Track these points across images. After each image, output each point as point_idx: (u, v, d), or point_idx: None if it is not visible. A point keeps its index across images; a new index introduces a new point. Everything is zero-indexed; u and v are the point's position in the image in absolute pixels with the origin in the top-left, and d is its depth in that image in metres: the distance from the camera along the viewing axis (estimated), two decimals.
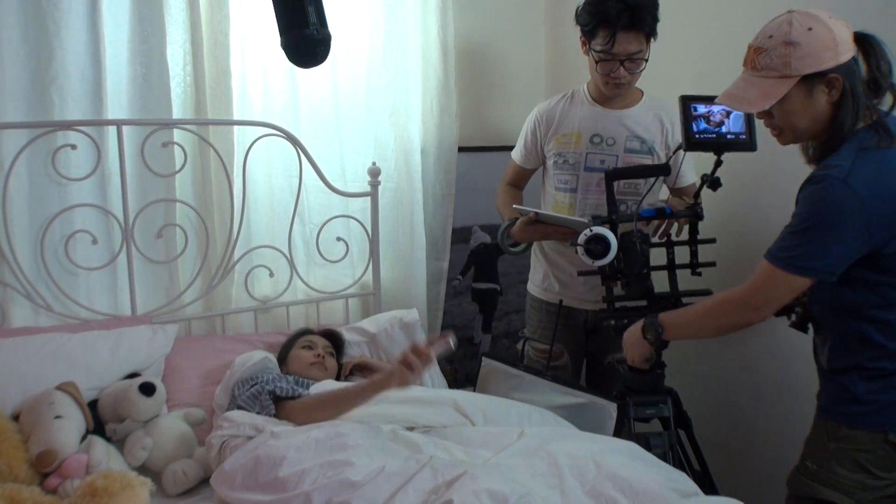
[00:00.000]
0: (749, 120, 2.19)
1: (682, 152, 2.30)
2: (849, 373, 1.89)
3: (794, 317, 2.11)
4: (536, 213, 2.51)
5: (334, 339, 2.70)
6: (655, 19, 2.41)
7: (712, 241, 2.32)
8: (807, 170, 1.90)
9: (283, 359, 2.58)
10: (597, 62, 2.48)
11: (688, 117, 2.15)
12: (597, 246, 2.13)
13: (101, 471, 2.01)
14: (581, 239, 2.14)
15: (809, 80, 1.79)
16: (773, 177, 2.53)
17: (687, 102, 2.16)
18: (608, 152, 2.58)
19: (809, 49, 1.77)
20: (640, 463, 1.91)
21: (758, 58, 1.82)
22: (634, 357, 2.22)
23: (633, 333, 2.20)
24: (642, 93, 2.65)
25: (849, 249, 1.79)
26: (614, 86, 2.52)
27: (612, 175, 2.28)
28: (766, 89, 1.81)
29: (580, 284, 2.62)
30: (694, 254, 2.29)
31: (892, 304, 1.84)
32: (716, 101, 1.94)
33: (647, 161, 2.58)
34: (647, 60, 2.47)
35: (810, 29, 1.77)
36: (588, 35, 2.47)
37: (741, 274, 2.07)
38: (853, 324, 1.88)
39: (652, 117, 2.60)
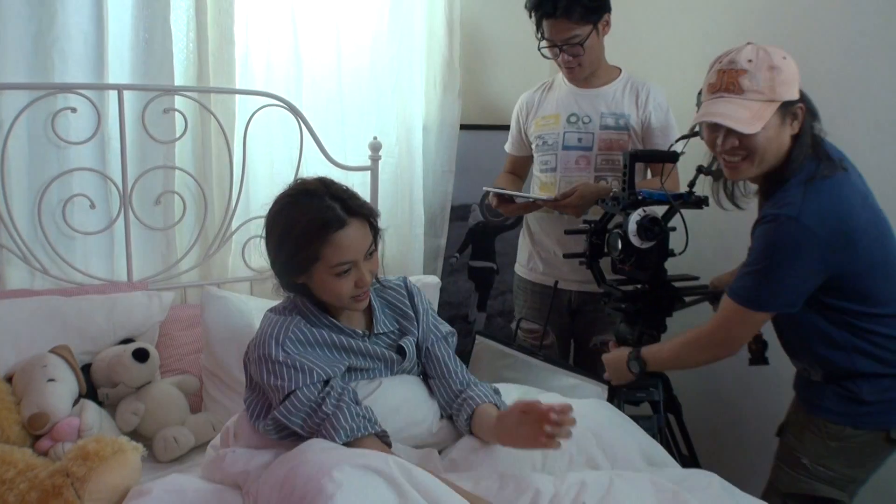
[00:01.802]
0: None
1: (672, 129, 2.51)
2: (851, 379, 1.90)
3: (749, 356, 2.21)
4: (497, 196, 2.64)
5: (374, 230, 1.83)
6: (586, 6, 2.47)
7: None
8: None
9: (293, 277, 1.79)
10: (542, 49, 2.60)
11: None
12: (654, 226, 2.12)
13: (93, 435, 2.02)
14: (634, 221, 2.12)
15: (783, 108, 1.81)
16: None
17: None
18: (585, 130, 2.64)
19: (788, 76, 1.80)
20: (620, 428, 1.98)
21: (740, 80, 1.80)
22: (617, 380, 2.25)
23: (617, 360, 2.21)
24: (620, 70, 2.71)
25: (806, 283, 1.83)
26: (567, 69, 2.62)
27: (635, 157, 2.27)
28: (756, 111, 1.79)
29: (564, 264, 2.64)
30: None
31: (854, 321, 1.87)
32: (705, 118, 1.88)
33: (623, 136, 2.62)
34: (582, 45, 2.52)
35: (784, 58, 1.80)
36: (536, 26, 2.59)
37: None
38: (836, 338, 1.89)
39: (627, 94, 2.65)
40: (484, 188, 2.74)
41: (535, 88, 2.84)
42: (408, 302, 1.95)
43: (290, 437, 1.73)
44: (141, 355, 2.26)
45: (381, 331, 1.88)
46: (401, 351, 1.88)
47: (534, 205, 2.67)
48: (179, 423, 2.29)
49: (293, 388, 1.68)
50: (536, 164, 2.79)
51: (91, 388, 2.30)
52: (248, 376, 1.83)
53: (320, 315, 1.81)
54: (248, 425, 1.81)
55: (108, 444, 1.79)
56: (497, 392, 1.94)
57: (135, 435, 2.22)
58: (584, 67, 2.60)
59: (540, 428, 1.57)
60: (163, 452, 2.20)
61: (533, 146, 2.79)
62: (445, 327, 1.99)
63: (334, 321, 1.82)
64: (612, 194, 2.28)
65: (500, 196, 2.64)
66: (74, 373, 2.23)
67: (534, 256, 2.81)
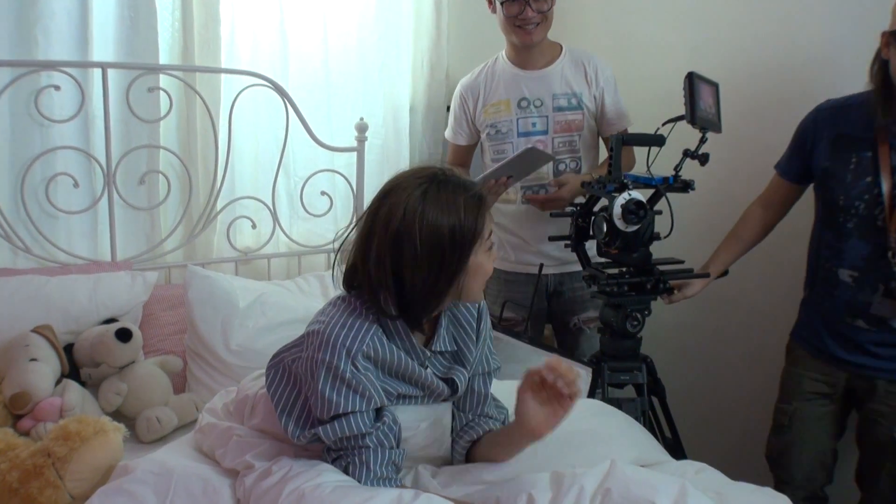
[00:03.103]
0: (717, 103, 2.25)
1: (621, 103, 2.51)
2: None
3: None
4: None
5: None
6: None
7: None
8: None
9: (450, 277, 1.53)
10: (502, 4, 2.48)
11: (694, 94, 2.15)
12: (639, 210, 2.10)
13: (75, 415, 2.01)
14: (618, 204, 2.10)
15: None
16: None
17: (695, 80, 2.17)
18: (538, 114, 2.60)
19: None
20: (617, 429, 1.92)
21: None
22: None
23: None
24: (562, 47, 2.66)
25: None
26: (524, 33, 2.51)
27: (621, 140, 2.26)
28: None
29: (537, 250, 2.63)
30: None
31: None
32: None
33: (578, 116, 2.59)
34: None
35: None
36: None
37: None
38: None
39: (574, 69, 2.61)
40: (479, 178, 2.56)
41: (476, 71, 2.74)
42: (474, 323, 1.73)
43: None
44: (124, 335, 2.24)
45: (439, 349, 1.67)
46: (452, 384, 1.71)
47: (495, 190, 2.51)
48: (162, 404, 2.29)
49: (347, 410, 1.53)
50: (489, 153, 2.70)
51: (74, 368, 2.28)
52: (284, 365, 1.66)
53: (401, 327, 1.59)
54: (270, 414, 1.69)
55: (89, 424, 1.78)
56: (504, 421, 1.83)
57: (117, 415, 2.20)
58: (543, 28, 2.52)
59: (557, 392, 1.53)
60: (145, 433, 2.19)
61: (483, 135, 2.70)
62: (495, 361, 1.81)
63: (411, 338, 1.61)
64: (597, 177, 2.27)
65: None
66: (57, 352, 2.21)
67: (504, 245, 2.73)
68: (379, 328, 1.57)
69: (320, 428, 1.55)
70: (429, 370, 1.65)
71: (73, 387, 2.17)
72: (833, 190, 2.12)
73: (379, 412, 1.59)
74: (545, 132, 2.59)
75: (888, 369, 2.07)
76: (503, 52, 2.69)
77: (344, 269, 1.65)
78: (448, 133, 2.84)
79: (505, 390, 1.82)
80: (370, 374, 1.55)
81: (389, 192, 1.52)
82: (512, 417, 1.68)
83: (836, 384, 2.19)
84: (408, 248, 1.47)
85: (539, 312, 2.76)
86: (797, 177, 2.26)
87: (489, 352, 1.78)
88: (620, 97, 2.64)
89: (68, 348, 2.30)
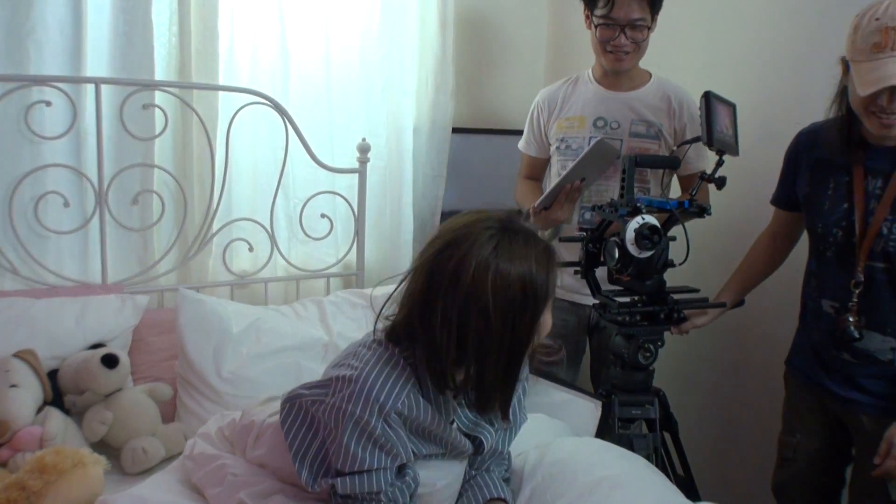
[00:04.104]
0: (735, 125, 2.15)
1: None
2: None
3: None
4: (532, 207, 2.40)
5: None
6: None
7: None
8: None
9: (523, 343, 1.41)
10: (596, 27, 2.39)
11: (711, 114, 2.05)
12: (653, 235, 1.98)
13: (55, 445, 1.91)
14: (632, 229, 1.99)
15: None
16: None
17: (711, 100, 2.07)
18: (612, 136, 2.47)
19: None
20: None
21: None
22: None
23: None
24: (650, 75, 2.54)
25: None
26: (615, 58, 2.41)
27: (636, 162, 2.15)
28: None
29: (577, 278, 2.51)
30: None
31: None
32: (887, 82, 1.76)
33: (654, 146, 2.47)
34: (650, 29, 2.38)
35: None
36: (589, 3, 2.38)
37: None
38: None
39: (660, 99, 2.49)
40: (552, 186, 2.42)
41: (558, 84, 2.63)
42: None
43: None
44: (110, 361, 2.15)
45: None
46: (477, 443, 1.60)
47: (565, 206, 2.39)
48: (150, 434, 2.18)
49: (372, 467, 1.43)
50: (556, 168, 2.59)
51: (58, 394, 2.18)
52: (303, 405, 1.54)
53: (437, 383, 1.45)
54: (277, 448, 1.59)
55: (67, 456, 1.69)
56: (507, 478, 1.73)
57: (102, 445, 2.12)
58: (634, 57, 2.43)
59: None
60: (130, 464, 2.08)
61: (553, 147, 2.60)
62: (523, 415, 1.70)
63: (446, 394, 1.49)
64: (609, 201, 2.17)
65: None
66: (39, 378, 2.11)
67: None
68: (416, 381, 1.45)
69: (338, 480, 1.44)
70: (454, 425, 1.54)
71: (54, 415, 2.06)
72: (812, 218, 2.05)
73: (401, 468, 1.48)
74: (618, 157, 2.44)
75: (873, 405, 1.97)
76: (590, 70, 2.59)
77: (387, 321, 1.50)
78: (521, 142, 2.74)
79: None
80: (400, 431, 1.44)
81: (453, 244, 1.38)
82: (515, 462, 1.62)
83: (832, 417, 2.10)
84: (476, 309, 1.34)
85: (578, 346, 2.64)
86: (789, 205, 2.19)
87: (518, 403, 1.66)
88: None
89: (52, 374, 2.20)
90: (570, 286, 2.55)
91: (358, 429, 1.40)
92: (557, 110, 2.58)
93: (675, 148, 2.32)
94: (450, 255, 1.37)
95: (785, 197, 2.19)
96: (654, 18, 2.37)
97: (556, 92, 2.61)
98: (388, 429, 1.41)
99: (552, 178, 2.61)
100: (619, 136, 2.46)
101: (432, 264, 1.39)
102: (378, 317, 1.52)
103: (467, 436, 1.58)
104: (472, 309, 1.34)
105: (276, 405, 1.69)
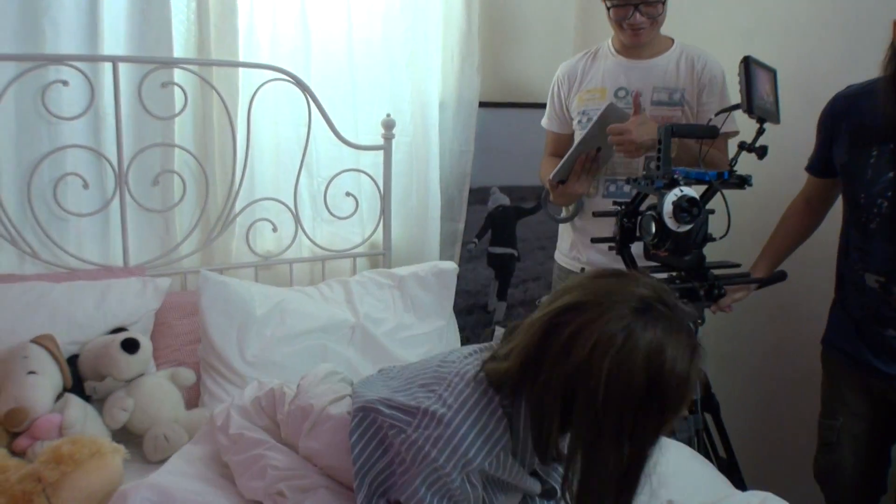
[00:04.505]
0: (776, 91, 2.04)
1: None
2: None
3: None
4: (549, 181, 2.31)
5: None
6: None
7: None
8: None
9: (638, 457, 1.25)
10: (609, 9, 2.32)
11: (751, 81, 1.95)
12: (692, 207, 1.89)
13: (76, 433, 1.86)
14: (669, 201, 1.89)
15: None
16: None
17: (751, 66, 1.96)
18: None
19: None
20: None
21: None
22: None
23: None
24: (673, 41, 2.46)
25: None
26: (632, 34, 2.34)
27: (671, 130, 2.05)
28: None
29: (603, 251, 2.40)
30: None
31: None
32: None
33: (677, 113, 2.39)
34: (664, 3, 2.30)
35: None
36: None
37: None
38: None
39: (683, 65, 2.41)
40: (566, 157, 2.35)
41: (578, 57, 2.56)
42: None
43: None
44: (130, 346, 2.09)
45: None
46: (549, 492, 1.50)
47: (584, 176, 2.33)
48: (172, 420, 2.12)
49: None
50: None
51: (78, 381, 2.13)
52: (379, 423, 1.43)
53: (532, 446, 1.33)
54: (335, 448, 1.50)
55: (84, 445, 1.63)
56: None
57: (124, 433, 2.07)
58: (651, 31, 2.35)
59: None
60: (153, 452, 2.02)
61: (575, 122, 2.52)
62: None
63: (539, 460, 1.38)
64: (644, 172, 2.08)
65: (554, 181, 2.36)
66: (58, 365, 2.05)
67: (576, 245, 2.55)
68: (509, 437, 1.31)
69: None
70: (527, 472, 1.41)
71: (74, 402, 2.00)
72: (853, 187, 1.95)
73: None
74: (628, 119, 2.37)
75: None
76: (609, 41, 2.51)
77: (494, 362, 1.36)
78: (544, 119, 2.67)
79: None
80: (478, 486, 1.32)
81: (581, 307, 1.23)
82: None
83: (878, 396, 2.01)
84: (584, 391, 1.18)
85: None
86: (825, 172, 2.10)
87: None
88: (729, 100, 2.38)
89: (72, 360, 2.15)
90: (597, 263, 2.46)
91: (435, 476, 1.29)
92: (578, 83, 2.52)
93: (712, 116, 2.21)
94: (572, 318, 1.22)
95: (821, 164, 2.12)
96: None
97: (575, 65, 2.55)
98: (466, 484, 1.29)
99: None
100: (644, 106, 2.38)
101: (551, 321, 1.26)
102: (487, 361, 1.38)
103: (540, 481, 1.47)
104: (579, 389, 1.19)
105: (337, 388, 1.62)
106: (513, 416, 1.31)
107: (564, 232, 2.64)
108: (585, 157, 2.27)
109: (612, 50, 2.48)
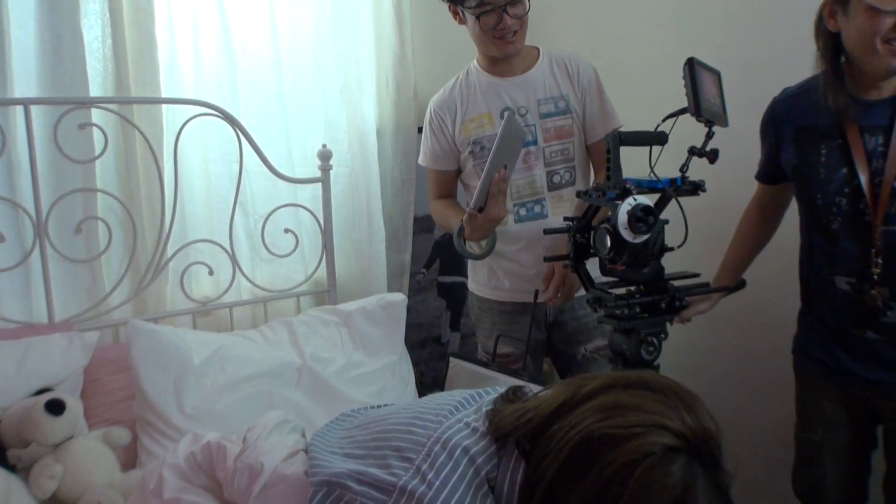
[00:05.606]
0: (721, 94, 1.98)
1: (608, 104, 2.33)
2: None
3: None
4: (469, 211, 2.20)
5: None
6: None
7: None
8: None
9: None
10: (477, 18, 2.23)
11: (696, 83, 1.88)
12: (648, 216, 1.80)
13: None
14: (624, 212, 1.81)
15: None
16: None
17: (696, 68, 1.89)
18: (524, 123, 2.33)
19: None
20: None
21: None
22: None
23: None
24: (539, 50, 2.41)
25: None
26: (504, 42, 2.27)
27: (619, 139, 1.95)
28: None
29: (535, 275, 2.34)
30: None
31: None
32: None
33: (567, 122, 2.34)
34: (528, 2, 2.25)
35: None
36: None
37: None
38: None
39: (557, 70, 2.37)
40: (479, 183, 2.21)
41: (448, 87, 2.46)
42: None
43: None
44: (55, 407, 1.93)
45: None
46: None
47: (500, 202, 2.20)
48: (107, 485, 1.96)
49: None
50: (473, 173, 2.41)
51: (0, 450, 1.96)
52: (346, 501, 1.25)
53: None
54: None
55: None
56: None
57: (54, 502, 1.90)
58: (521, 37, 2.28)
59: None
60: None
61: (465, 154, 2.41)
62: None
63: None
64: (593, 184, 1.98)
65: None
66: None
67: (495, 273, 2.45)
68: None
69: None
70: None
71: None
72: (808, 189, 1.90)
73: None
74: (535, 142, 2.33)
75: None
76: (475, 62, 2.44)
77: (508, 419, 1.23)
78: (423, 159, 2.53)
79: None
80: None
81: (591, 397, 1.13)
82: None
83: (857, 404, 1.96)
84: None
85: (537, 345, 2.46)
86: (776, 178, 2.06)
87: None
88: (608, 97, 2.38)
89: None
90: (522, 290, 2.41)
91: None
92: (460, 113, 2.41)
93: (661, 122, 2.13)
94: (579, 412, 1.12)
95: (770, 171, 2.07)
96: None
97: (450, 96, 2.44)
98: None
99: (471, 189, 2.41)
100: (531, 122, 2.34)
101: (564, 401, 1.16)
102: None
103: None
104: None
105: (290, 443, 1.48)
106: (501, 484, 1.18)
107: (477, 263, 2.51)
108: (498, 177, 2.15)
109: (482, 71, 2.40)
